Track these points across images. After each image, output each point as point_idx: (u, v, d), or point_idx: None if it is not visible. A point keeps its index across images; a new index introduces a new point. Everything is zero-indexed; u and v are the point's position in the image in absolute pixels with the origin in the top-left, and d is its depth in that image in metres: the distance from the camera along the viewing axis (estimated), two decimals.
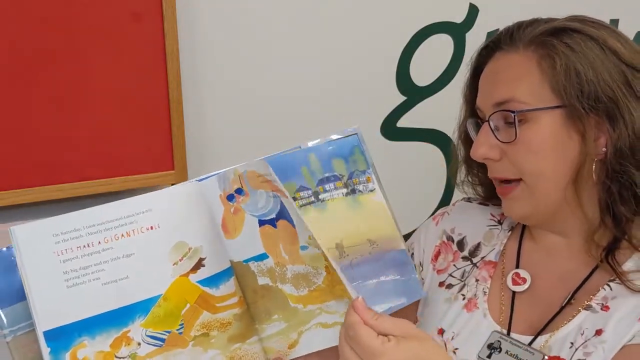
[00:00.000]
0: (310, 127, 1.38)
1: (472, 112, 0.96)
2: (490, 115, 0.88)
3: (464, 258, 1.00)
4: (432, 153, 1.65)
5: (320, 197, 0.90)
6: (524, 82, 0.86)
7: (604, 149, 0.85)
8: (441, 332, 0.95)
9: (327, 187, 0.91)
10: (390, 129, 1.58)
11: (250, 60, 1.38)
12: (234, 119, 1.39)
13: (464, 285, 0.97)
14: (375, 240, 0.93)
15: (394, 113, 1.58)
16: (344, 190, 0.92)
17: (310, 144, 0.89)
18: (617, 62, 0.84)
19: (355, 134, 0.92)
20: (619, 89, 0.83)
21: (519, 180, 0.88)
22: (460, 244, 1.01)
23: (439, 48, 1.58)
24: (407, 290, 0.93)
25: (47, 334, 0.78)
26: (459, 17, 1.59)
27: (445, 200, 1.65)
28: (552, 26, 0.88)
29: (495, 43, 0.92)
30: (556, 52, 0.85)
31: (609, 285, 0.86)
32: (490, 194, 1.01)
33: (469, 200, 1.07)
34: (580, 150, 0.85)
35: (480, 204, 1.05)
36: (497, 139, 0.88)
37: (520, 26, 0.91)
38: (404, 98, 1.57)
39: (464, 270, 0.98)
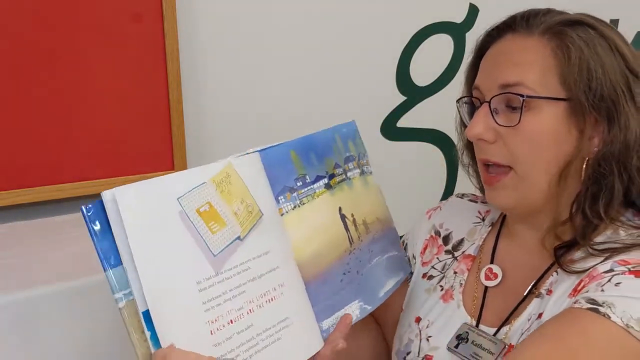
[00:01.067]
0: (311, 127, 1.37)
1: (469, 92, 0.94)
2: (494, 97, 0.87)
3: (447, 252, 1.02)
4: (432, 153, 1.65)
5: (348, 174, 0.93)
6: (535, 68, 0.85)
7: (595, 149, 0.85)
8: (418, 320, 0.98)
9: (350, 165, 0.93)
10: (390, 129, 1.58)
11: (250, 61, 1.39)
12: (234, 119, 1.39)
13: (443, 277, 1.00)
14: (381, 219, 0.97)
15: (394, 113, 1.58)
16: (358, 170, 0.95)
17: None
18: (622, 66, 0.84)
19: (353, 121, 0.96)
20: (622, 92, 0.84)
21: (509, 168, 0.87)
22: (446, 239, 1.04)
23: (439, 48, 1.58)
24: (403, 266, 1.01)
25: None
26: (459, 17, 1.59)
27: None
28: (569, 18, 0.87)
29: (508, 25, 0.91)
30: (573, 44, 0.84)
31: (556, 272, 0.88)
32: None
33: (461, 196, 1.09)
34: (575, 147, 0.85)
35: (470, 200, 1.06)
36: (495, 122, 0.87)
37: (537, 13, 0.89)
38: (404, 98, 1.58)
39: (445, 263, 1.01)
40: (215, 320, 0.73)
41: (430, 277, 1.01)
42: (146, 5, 1.23)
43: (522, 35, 0.88)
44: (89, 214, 0.69)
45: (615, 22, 1.65)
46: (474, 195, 1.07)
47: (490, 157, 0.88)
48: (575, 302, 0.79)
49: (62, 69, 1.19)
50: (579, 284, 0.83)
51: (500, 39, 0.91)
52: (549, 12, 0.90)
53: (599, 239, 0.85)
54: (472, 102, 0.93)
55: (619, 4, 1.70)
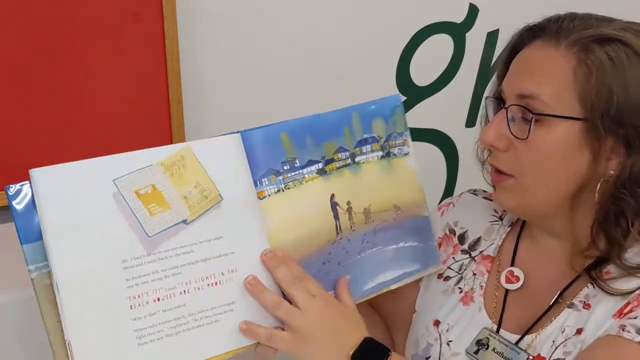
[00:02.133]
0: None
1: (498, 91, 0.92)
2: (510, 106, 0.86)
3: (463, 251, 1.00)
4: (432, 153, 1.65)
5: (356, 159, 0.89)
6: (553, 83, 0.83)
7: (612, 172, 0.82)
8: (437, 323, 0.96)
9: (364, 149, 0.90)
10: None
11: (249, 61, 1.38)
12: (234, 119, 1.39)
13: (461, 278, 0.97)
14: (401, 207, 0.93)
15: None
16: (380, 153, 0.91)
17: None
18: None
19: (399, 94, 0.93)
20: None
21: (511, 175, 0.87)
22: (462, 238, 1.01)
23: (439, 48, 1.58)
24: (423, 257, 0.95)
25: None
26: (459, 17, 1.59)
27: None
28: (602, 33, 0.83)
29: (540, 29, 0.88)
30: (594, 64, 0.80)
31: (592, 284, 0.86)
32: None
33: (474, 193, 1.06)
34: (587, 168, 0.82)
35: (485, 198, 1.04)
36: (510, 131, 0.85)
37: (572, 18, 0.86)
38: (404, 98, 1.58)
39: (462, 263, 0.99)
40: (138, 296, 0.76)
41: (447, 278, 0.99)
42: (146, 5, 1.23)
43: (549, 43, 0.85)
44: (11, 193, 0.74)
45: None
46: (486, 192, 1.05)
47: (498, 164, 0.88)
48: (623, 329, 0.77)
49: (62, 68, 1.19)
50: (626, 305, 0.81)
51: (530, 43, 0.88)
52: (585, 18, 0.86)
53: (629, 255, 0.84)
54: (497, 103, 0.91)
55: (619, 4, 1.70)
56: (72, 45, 1.19)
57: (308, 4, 1.42)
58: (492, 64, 1.65)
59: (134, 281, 0.76)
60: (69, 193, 0.75)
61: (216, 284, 0.80)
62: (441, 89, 1.60)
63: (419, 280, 1.01)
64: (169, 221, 0.78)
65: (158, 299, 0.77)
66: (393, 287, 0.92)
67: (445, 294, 0.97)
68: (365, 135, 0.90)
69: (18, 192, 0.75)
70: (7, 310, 0.89)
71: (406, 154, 0.93)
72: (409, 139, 0.94)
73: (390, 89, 1.55)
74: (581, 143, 0.82)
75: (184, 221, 0.79)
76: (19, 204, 0.75)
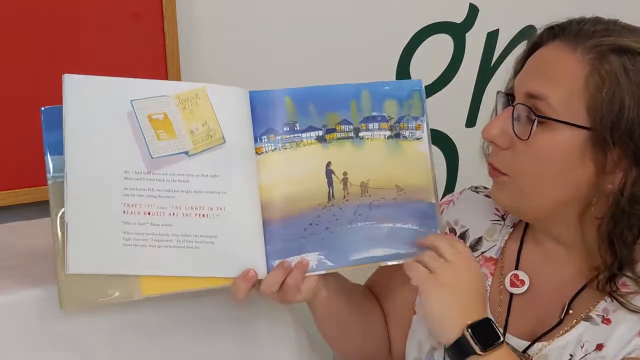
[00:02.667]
0: None
1: (510, 87, 0.92)
2: (517, 104, 0.85)
3: None
4: (432, 153, 1.64)
5: (360, 134, 0.92)
6: (563, 87, 0.81)
7: (610, 186, 0.81)
8: None
9: (370, 126, 0.92)
10: None
11: (249, 62, 1.38)
12: None
13: None
14: (404, 188, 0.93)
15: None
16: (388, 133, 0.93)
17: None
18: None
19: (421, 79, 0.95)
20: None
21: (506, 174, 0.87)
22: (463, 237, 1.00)
23: (439, 48, 1.58)
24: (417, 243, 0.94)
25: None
26: (459, 17, 1.59)
27: None
28: (620, 43, 0.81)
29: (561, 29, 0.86)
30: (608, 75, 0.79)
31: (611, 296, 0.84)
32: None
33: (476, 190, 1.05)
34: (587, 178, 0.81)
35: (486, 195, 1.02)
36: (513, 129, 0.84)
37: (595, 22, 0.85)
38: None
39: None
40: (132, 205, 0.85)
41: None
42: (146, 5, 1.23)
43: (567, 46, 0.83)
44: (46, 112, 0.85)
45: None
46: (487, 189, 1.03)
47: (496, 162, 0.87)
48: None
49: (62, 68, 1.18)
50: None
51: (549, 43, 0.86)
52: (608, 25, 0.84)
53: None
54: (507, 98, 0.90)
55: (619, 4, 1.70)
56: (72, 45, 1.19)
57: (308, 5, 1.42)
58: (492, 64, 1.65)
59: (131, 191, 0.85)
60: (91, 101, 0.85)
61: (203, 215, 0.87)
62: (441, 89, 1.60)
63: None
64: (173, 149, 0.86)
65: (149, 213, 0.85)
66: (383, 264, 0.92)
67: None
68: (374, 113, 0.92)
69: (49, 110, 0.86)
70: (6, 310, 0.89)
71: (419, 139, 0.94)
72: (425, 125, 0.95)
73: None
74: (583, 153, 0.81)
75: (186, 152, 0.86)
76: (48, 121, 0.85)
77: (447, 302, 0.82)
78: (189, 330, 0.96)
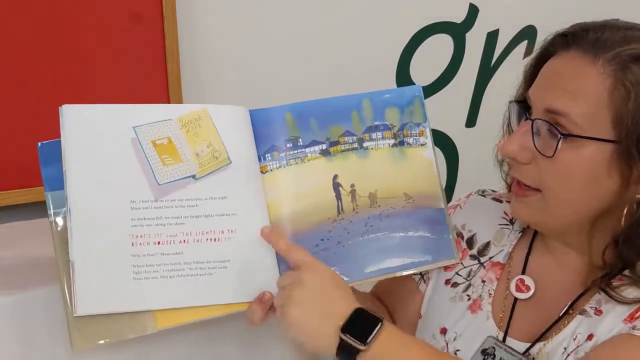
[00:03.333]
0: None
1: (524, 96, 0.88)
2: (536, 119, 0.82)
3: (472, 257, 0.97)
4: None
5: (364, 144, 0.91)
6: (587, 102, 0.78)
7: (638, 196, 0.80)
8: (444, 331, 0.94)
9: (374, 135, 0.91)
10: None
11: (250, 62, 1.38)
12: None
13: (470, 285, 0.95)
14: (412, 195, 0.93)
15: None
16: (392, 141, 0.92)
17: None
18: None
19: (420, 85, 0.95)
20: None
21: (538, 189, 0.84)
22: (470, 242, 0.99)
23: (439, 48, 1.58)
24: (435, 249, 0.94)
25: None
26: (459, 17, 1.59)
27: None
28: None
29: (576, 38, 0.82)
30: (633, 85, 0.77)
31: (603, 290, 0.84)
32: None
33: (483, 194, 1.03)
34: (614, 191, 0.80)
35: (494, 199, 1.01)
36: (534, 143, 0.82)
37: (613, 29, 0.82)
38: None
39: (471, 270, 0.96)
40: (141, 236, 0.82)
41: (455, 284, 0.96)
42: (146, 5, 1.23)
43: (585, 57, 0.80)
44: (40, 145, 0.82)
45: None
46: (495, 192, 1.03)
47: (522, 177, 0.85)
48: (633, 328, 0.77)
49: (62, 68, 1.19)
50: (637, 310, 0.80)
51: (564, 52, 0.82)
52: (627, 31, 0.82)
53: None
54: (521, 110, 0.87)
55: (619, 4, 1.70)
56: (72, 45, 1.19)
57: (308, 5, 1.42)
58: (492, 64, 1.65)
59: (139, 222, 0.82)
60: (92, 131, 0.82)
61: (215, 240, 0.84)
62: (441, 89, 1.60)
63: (425, 284, 0.99)
64: (179, 173, 0.84)
65: (158, 242, 0.82)
66: (398, 274, 0.92)
67: (453, 301, 0.95)
68: (377, 122, 0.91)
69: (47, 145, 0.83)
70: (6, 311, 0.88)
71: (423, 145, 0.94)
72: (428, 131, 0.95)
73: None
74: (610, 166, 0.79)
75: (193, 176, 0.84)
76: (46, 155, 0.82)
77: (305, 319, 0.78)
78: (191, 336, 0.96)
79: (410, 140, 0.93)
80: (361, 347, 0.75)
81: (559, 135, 0.79)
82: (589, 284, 0.86)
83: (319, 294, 0.79)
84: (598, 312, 0.83)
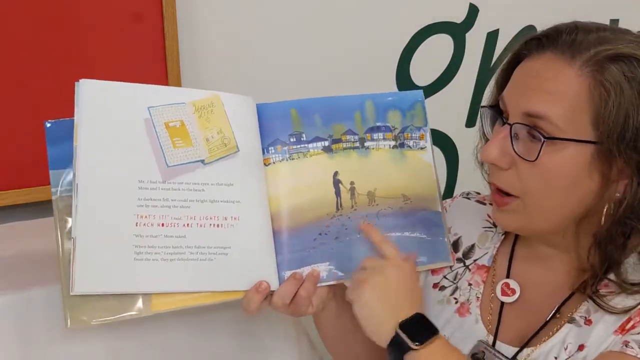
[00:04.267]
0: None
1: (496, 100, 0.88)
2: (515, 124, 0.81)
3: (458, 260, 0.98)
4: None
5: (365, 144, 0.93)
6: (565, 103, 0.78)
7: (618, 195, 0.80)
8: None
9: (375, 136, 0.93)
10: None
11: (249, 62, 1.38)
12: None
13: (457, 288, 0.95)
14: (410, 197, 0.94)
15: None
16: (392, 143, 0.94)
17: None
18: None
19: (422, 90, 0.97)
20: None
21: (516, 197, 0.83)
22: (455, 245, 0.99)
23: (439, 48, 1.58)
24: (430, 251, 0.95)
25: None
26: (459, 17, 1.59)
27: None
28: (617, 51, 0.78)
29: (550, 40, 0.82)
30: (612, 86, 0.76)
31: (591, 298, 0.84)
32: None
33: (467, 196, 1.04)
34: (595, 191, 0.80)
35: (477, 201, 1.02)
36: (513, 148, 0.81)
37: (586, 31, 0.81)
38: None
39: (457, 272, 0.97)
40: (146, 216, 0.81)
41: (442, 288, 0.97)
42: (146, 5, 1.23)
43: (562, 59, 0.79)
44: (48, 124, 0.82)
45: (615, 22, 1.65)
46: (479, 194, 1.03)
47: (501, 184, 0.84)
48: (626, 345, 0.76)
49: (62, 68, 1.19)
50: (628, 321, 0.80)
51: (540, 54, 0.82)
52: (599, 33, 0.81)
53: (623, 269, 0.82)
54: (495, 115, 0.87)
55: (619, 4, 1.70)
56: (72, 45, 1.19)
57: (308, 5, 1.42)
58: (492, 64, 1.65)
59: (145, 202, 0.82)
60: (107, 108, 0.82)
61: (218, 226, 0.85)
62: (441, 89, 1.60)
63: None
64: (189, 157, 0.85)
65: (162, 225, 0.82)
66: None
67: (441, 304, 0.96)
68: (379, 124, 0.93)
69: (55, 124, 0.82)
70: (6, 311, 0.89)
71: (422, 148, 0.95)
72: (428, 135, 0.96)
73: (390, 89, 1.55)
74: (591, 166, 0.79)
75: (202, 161, 0.85)
76: (52, 134, 0.82)
77: (374, 305, 0.82)
78: (188, 329, 0.96)
79: (411, 143, 0.95)
80: (412, 346, 0.79)
81: (542, 139, 0.78)
82: (575, 286, 0.86)
83: (394, 287, 0.83)
84: (588, 321, 0.83)
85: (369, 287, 0.82)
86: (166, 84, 1.27)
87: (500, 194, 0.85)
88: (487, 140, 0.91)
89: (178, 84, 1.27)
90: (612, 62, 0.77)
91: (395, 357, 0.81)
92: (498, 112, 0.86)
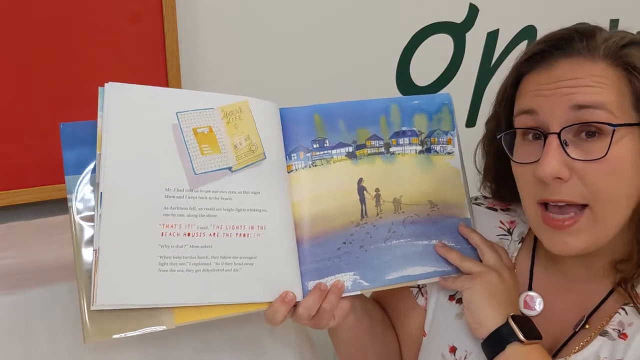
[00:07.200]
0: None
1: (509, 121, 0.86)
2: (563, 129, 0.77)
3: None
4: None
5: (390, 149, 0.90)
6: (612, 91, 0.77)
7: None
8: (453, 349, 0.91)
9: (401, 141, 0.91)
10: None
11: (250, 62, 1.38)
12: None
13: None
14: (437, 203, 0.92)
15: None
16: (418, 148, 0.91)
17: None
18: None
19: (448, 93, 0.94)
20: None
21: (583, 206, 0.78)
22: None
23: (439, 48, 1.58)
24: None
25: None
26: (459, 17, 1.59)
27: None
28: (625, 38, 0.80)
29: (561, 49, 0.81)
30: (635, 68, 0.77)
31: (624, 309, 0.82)
32: (505, 204, 0.98)
33: (476, 202, 1.00)
34: None
35: (488, 208, 0.99)
36: (569, 156, 0.77)
37: (592, 33, 0.81)
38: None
39: None
40: (171, 226, 0.79)
41: (460, 301, 0.92)
42: (146, 5, 1.23)
43: (582, 61, 0.79)
44: (65, 128, 0.78)
45: (615, 22, 1.65)
46: (487, 199, 1.00)
47: (566, 196, 0.78)
48: None
49: (62, 68, 1.19)
50: None
51: (550, 65, 0.81)
52: (602, 33, 0.82)
53: None
54: (514, 132, 0.84)
55: (619, 4, 1.70)
56: (72, 46, 1.19)
57: (308, 6, 1.42)
58: (492, 64, 1.65)
59: (171, 211, 0.79)
60: (134, 113, 0.79)
61: (244, 235, 0.82)
62: (441, 89, 1.60)
63: (424, 298, 0.97)
64: (217, 164, 0.82)
65: (189, 234, 0.80)
66: (420, 282, 0.91)
67: (460, 318, 0.92)
68: (404, 128, 0.91)
69: (70, 127, 0.79)
70: (6, 310, 0.89)
71: (450, 153, 0.93)
72: (455, 139, 0.94)
73: (390, 89, 1.55)
74: None
75: (230, 168, 0.83)
76: (67, 136, 0.78)
77: (489, 295, 0.84)
78: (188, 330, 0.96)
79: (438, 147, 0.92)
80: (521, 337, 0.81)
81: (613, 129, 0.76)
82: (606, 291, 0.84)
83: (504, 287, 0.85)
84: (622, 335, 0.81)
85: (483, 280, 0.85)
86: (166, 84, 1.27)
87: (566, 213, 0.80)
88: (494, 173, 0.94)
89: (178, 84, 1.27)
90: (627, 48, 0.79)
91: (491, 350, 0.82)
92: (522, 132, 0.83)
